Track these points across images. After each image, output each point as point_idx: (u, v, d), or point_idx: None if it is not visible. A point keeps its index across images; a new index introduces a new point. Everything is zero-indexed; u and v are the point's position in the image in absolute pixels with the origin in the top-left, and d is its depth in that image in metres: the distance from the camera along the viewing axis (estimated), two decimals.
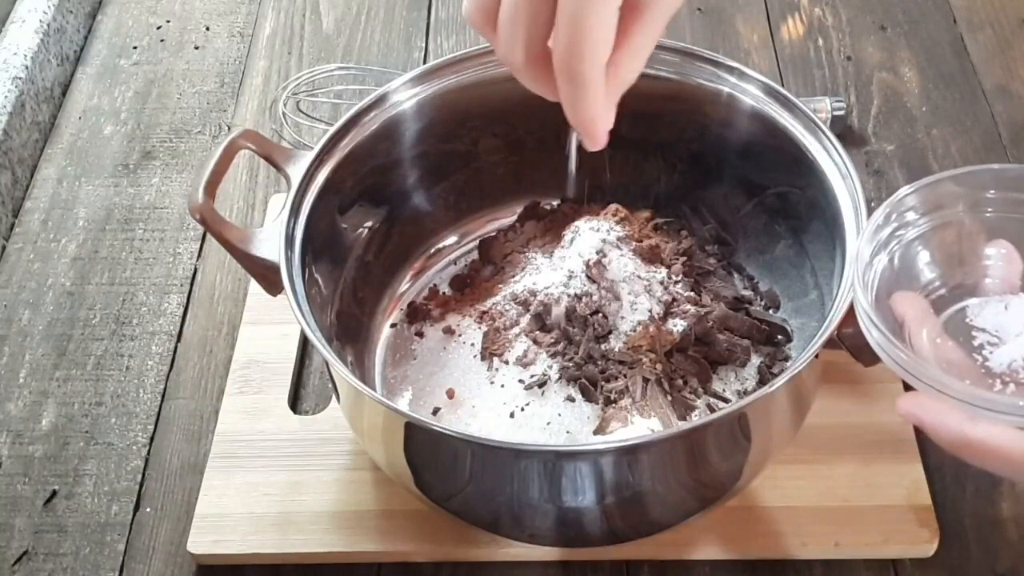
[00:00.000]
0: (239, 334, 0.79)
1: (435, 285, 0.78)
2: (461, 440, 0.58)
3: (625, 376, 0.67)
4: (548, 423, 0.66)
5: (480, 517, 0.67)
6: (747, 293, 0.75)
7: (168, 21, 1.07)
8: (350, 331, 0.72)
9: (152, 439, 0.76)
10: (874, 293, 0.55)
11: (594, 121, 0.50)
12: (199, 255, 0.87)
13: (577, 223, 0.74)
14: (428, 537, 0.68)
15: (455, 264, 0.79)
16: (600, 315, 0.69)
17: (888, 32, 1.00)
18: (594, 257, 0.70)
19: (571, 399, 0.67)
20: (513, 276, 0.75)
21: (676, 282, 0.72)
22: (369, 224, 0.74)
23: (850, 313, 0.56)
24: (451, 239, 0.80)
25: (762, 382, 0.69)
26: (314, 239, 0.66)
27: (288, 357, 0.77)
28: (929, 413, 0.49)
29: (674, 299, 0.71)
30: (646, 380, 0.67)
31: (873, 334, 0.52)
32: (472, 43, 1.01)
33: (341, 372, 0.59)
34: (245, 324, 0.79)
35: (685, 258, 0.74)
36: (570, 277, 0.70)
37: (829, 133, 0.66)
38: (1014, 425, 0.47)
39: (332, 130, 0.69)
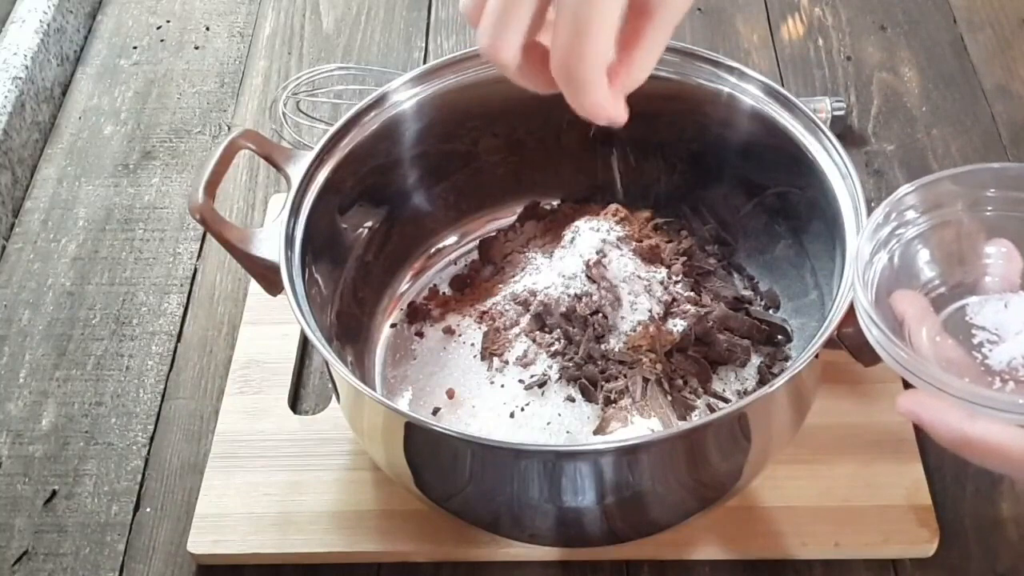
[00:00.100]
0: (239, 334, 0.79)
1: (435, 285, 0.78)
2: (461, 440, 0.58)
3: (625, 376, 0.67)
4: (548, 423, 0.66)
5: (480, 517, 0.67)
6: (747, 293, 0.75)
7: (168, 21, 1.07)
8: (350, 331, 0.72)
9: (152, 439, 0.76)
10: (874, 292, 0.55)
11: (599, 109, 0.48)
12: (199, 255, 0.87)
13: (577, 223, 0.74)
14: (428, 537, 0.68)
15: (455, 264, 0.79)
16: (600, 315, 0.69)
17: (888, 32, 1.00)
18: (594, 257, 0.70)
19: (571, 399, 0.67)
20: (513, 276, 0.75)
21: (676, 282, 0.72)
22: (369, 224, 0.74)
23: (850, 313, 0.56)
24: (451, 239, 0.80)
25: (762, 382, 0.69)
26: (314, 239, 0.66)
27: (288, 357, 0.77)
28: (928, 411, 0.49)
29: (674, 299, 0.71)
30: (646, 380, 0.67)
31: (873, 332, 0.52)
32: (472, 43, 1.01)
33: (341, 372, 0.59)
34: (245, 324, 0.79)
35: (685, 258, 0.74)
36: (570, 277, 0.70)
37: (829, 133, 0.66)
38: (1013, 423, 0.47)
39: (332, 130, 0.69)
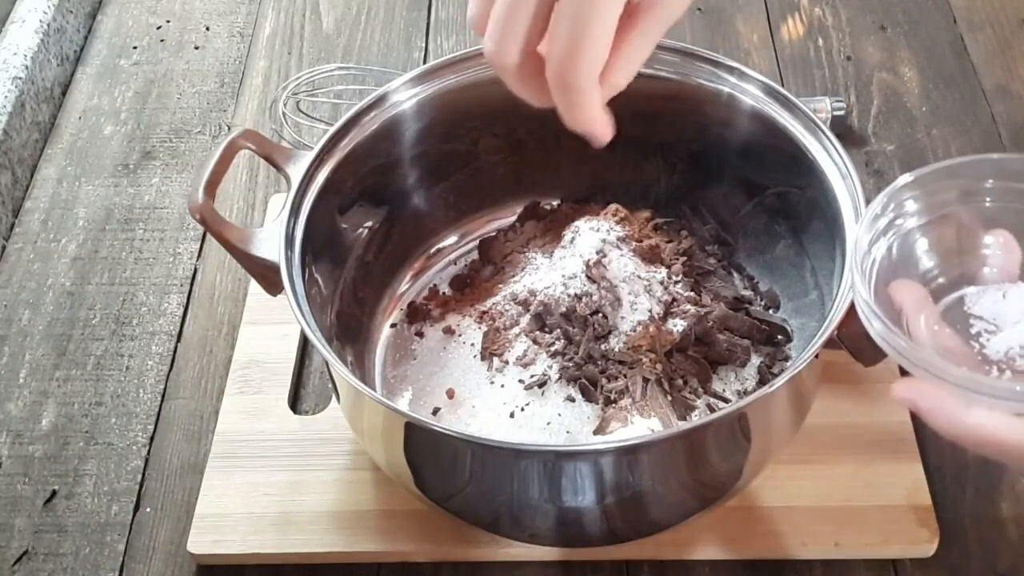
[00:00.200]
0: (239, 334, 0.79)
1: (435, 285, 0.78)
2: (461, 440, 0.58)
3: (625, 376, 0.67)
4: (548, 423, 0.66)
5: (480, 517, 0.67)
6: (747, 293, 0.75)
7: (168, 21, 1.07)
8: (350, 331, 0.72)
9: (152, 439, 0.76)
10: (873, 281, 0.55)
11: (590, 124, 0.50)
12: (199, 255, 0.87)
13: (577, 223, 0.74)
14: (428, 537, 0.68)
15: (455, 264, 0.79)
16: (600, 315, 0.69)
17: (888, 32, 1.00)
18: (594, 257, 0.70)
19: (571, 399, 0.67)
20: (513, 276, 0.75)
21: (676, 282, 0.72)
22: (369, 224, 0.74)
23: (850, 313, 0.56)
24: (451, 239, 0.80)
25: (762, 382, 0.69)
26: (314, 239, 0.66)
27: (288, 357, 0.77)
28: (926, 399, 0.49)
29: (674, 299, 0.71)
30: (646, 380, 0.67)
31: (871, 321, 0.52)
32: (472, 43, 1.01)
33: (341, 372, 0.59)
34: (245, 324, 0.79)
35: (685, 258, 0.74)
36: (570, 277, 0.70)
37: (829, 133, 0.66)
38: (1011, 411, 0.47)
39: (332, 130, 0.69)
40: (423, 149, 0.74)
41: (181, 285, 0.85)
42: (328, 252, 0.70)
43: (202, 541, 0.69)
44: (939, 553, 0.67)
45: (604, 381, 0.67)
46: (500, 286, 0.74)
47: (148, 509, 0.72)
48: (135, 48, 1.04)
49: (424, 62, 1.00)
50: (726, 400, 0.68)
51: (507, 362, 0.69)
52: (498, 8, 0.48)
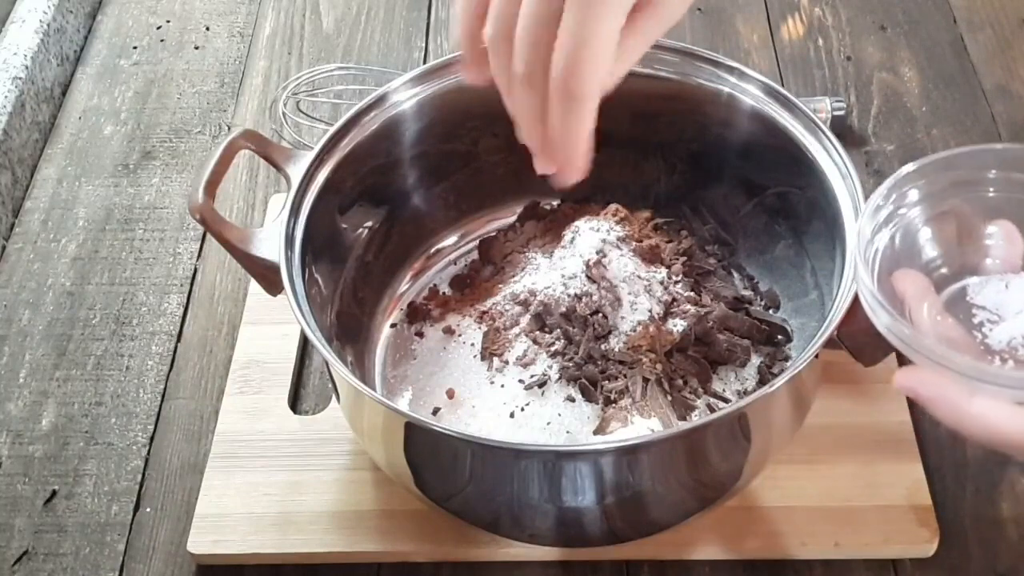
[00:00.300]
0: (239, 334, 0.79)
1: (435, 285, 0.78)
2: (461, 440, 0.58)
3: (625, 376, 0.67)
4: (548, 423, 0.66)
5: (480, 517, 0.67)
6: (747, 293, 0.75)
7: (168, 21, 1.07)
8: (350, 331, 0.72)
9: (152, 439, 0.76)
10: (875, 271, 0.55)
11: (578, 131, 0.49)
12: (199, 255, 0.87)
13: (577, 223, 0.74)
14: (428, 537, 0.68)
15: (455, 264, 0.79)
16: (600, 315, 0.69)
17: (888, 32, 1.00)
18: (594, 257, 0.70)
19: (571, 399, 0.67)
20: (513, 276, 0.75)
21: (676, 282, 0.72)
22: (369, 224, 0.74)
23: (850, 313, 0.56)
24: (451, 239, 0.80)
25: (762, 382, 0.69)
26: (314, 239, 0.66)
27: (288, 357, 0.77)
28: (929, 387, 0.49)
29: (674, 299, 0.71)
30: (646, 380, 0.67)
31: (874, 309, 0.52)
32: None
33: (341, 372, 0.59)
34: (245, 324, 0.79)
35: (685, 258, 0.74)
36: (570, 277, 0.70)
37: (829, 133, 0.66)
38: (1013, 400, 0.47)
39: (332, 130, 0.69)
40: (423, 149, 0.74)
41: (181, 285, 0.85)
42: (328, 252, 0.70)
43: (202, 541, 0.69)
44: (939, 553, 0.67)
45: (604, 381, 0.67)
46: (500, 286, 0.74)
47: (148, 509, 0.72)
48: (135, 48, 1.04)
49: (424, 62, 1.00)
50: (726, 400, 0.68)
51: (507, 362, 0.69)
52: (523, 19, 0.48)
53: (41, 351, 0.81)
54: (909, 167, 0.56)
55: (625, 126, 0.69)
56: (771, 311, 0.74)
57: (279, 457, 0.72)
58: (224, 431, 0.73)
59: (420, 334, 0.74)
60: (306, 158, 0.68)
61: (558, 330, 0.69)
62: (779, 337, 0.72)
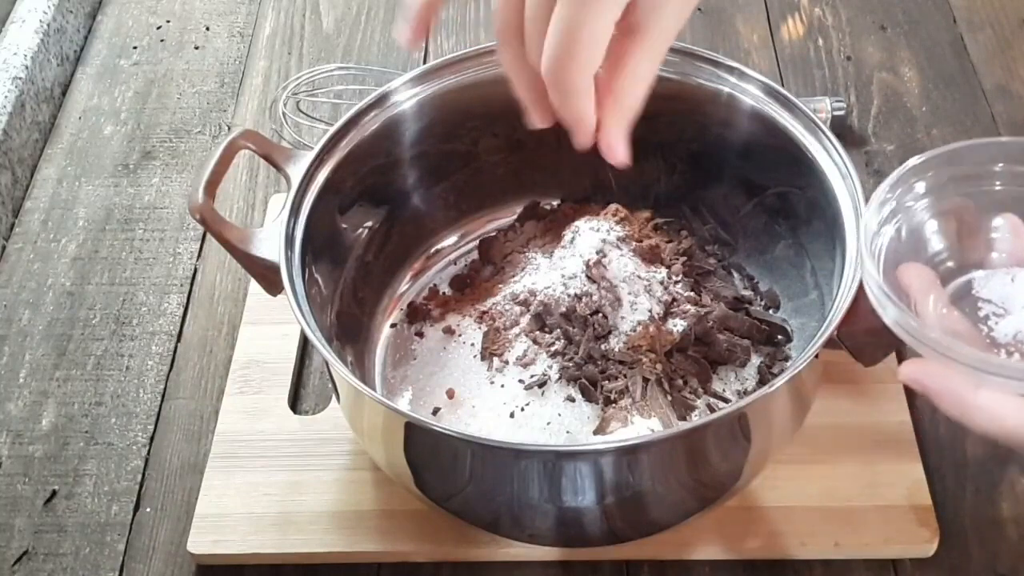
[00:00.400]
0: (239, 334, 0.79)
1: (435, 285, 0.78)
2: (461, 440, 0.58)
3: (625, 376, 0.67)
4: (548, 423, 0.66)
5: (480, 517, 0.67)
6: (747, 293, 0.75)
7: (168, 21, 1.07)
8: (350, 331, 0.72)
9: (152, 439, 0.76)
10: (881, 263, 0.55)
11: (579, 121, 0.51)
12: (199, 255, 0.87)
13: (577, 223, 0.74)
14: (428, 537, 0.68)
15: (455, 264, 0.79)
16: (600, 315, 0.69)
17: (888, 32, 1.00)
18: (594, 257, 0.70)
19: (571, 399, 0.67)
20: (513, 276, 0.75)
21: (676, 282, 0.72)
22: (369, 224, 0.74)
23: (850, 313, 0.56)
24: (451, 239, 0.80)
25: (762, 382, 0.69)
26: (314, 239, 0.66)
27: (288, 357, 0.77)
28: (934, 379, 0.49)
29: (674, 299, 0.71)
30: (646, 380, 0.67)
31: (881, 302, 0.52)
32: (472, 43, 1.01)
33: (341, 372, 0.59)
34: (245, 324, 0.79)
35: (685, 258, 0.74)
36: (570, 277, 0.70)
37: (829, 133, 0.66)
38: (1020, 392, 0.47)
39: (332, 130, 0.69)
40: (423, 149, 0.74)
41: (181, 285, 0.85)
42: (328, 252, 0.70)
43: (202, 541, 0.69)
44: (939, 553, 0.67)
45: (604, 381, 0.67)
46: (500, 286, 0.74)
47: (148, 509, 0.72)
48: (135, 48, 1.04)
49: (424, 62, 1.00)
50: (726, 400, 0.68)
51: (507, 362, 0.69)
52: (528, 11, 0.49)
53: (41, 351, 0.81)
54: (915, 160, 0.56)
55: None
56: (771, 311, 0.74)
57: (279, 457, 0.72)
58: (224, 431, 0.73)
59: (420, 334, 0.74)
60: (306, 158, 0.68)
61: (558, 330, 0.69)
62: (779, 337, 0.72)
